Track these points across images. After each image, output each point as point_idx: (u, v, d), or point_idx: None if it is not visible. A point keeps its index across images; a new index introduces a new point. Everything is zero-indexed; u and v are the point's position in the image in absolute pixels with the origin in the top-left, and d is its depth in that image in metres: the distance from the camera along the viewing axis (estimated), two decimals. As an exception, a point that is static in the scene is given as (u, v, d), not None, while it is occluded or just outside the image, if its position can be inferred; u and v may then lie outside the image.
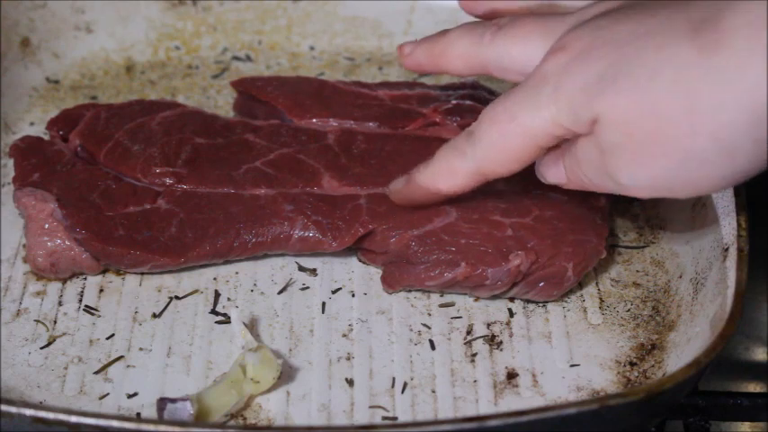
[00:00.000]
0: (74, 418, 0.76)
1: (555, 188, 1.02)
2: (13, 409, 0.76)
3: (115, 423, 0.76)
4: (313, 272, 1.01)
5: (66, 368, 0.92)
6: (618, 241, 1.06)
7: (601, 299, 1.00)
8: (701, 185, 0.79)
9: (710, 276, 0.93)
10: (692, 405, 0.90)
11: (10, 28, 1.19)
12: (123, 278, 1.00)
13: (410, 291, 1.00)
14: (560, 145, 0.86)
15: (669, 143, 0.77)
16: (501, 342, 0.96)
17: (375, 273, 1.01)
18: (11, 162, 1.05)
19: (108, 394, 0.90)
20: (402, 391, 0.91)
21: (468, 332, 0.97)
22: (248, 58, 1.26)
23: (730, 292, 0.86)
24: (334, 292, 1.00)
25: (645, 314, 0.99)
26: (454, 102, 1.10)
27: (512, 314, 0.98)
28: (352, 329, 0.97)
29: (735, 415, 0.93)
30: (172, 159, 1.03)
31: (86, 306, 0.98)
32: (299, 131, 1.07)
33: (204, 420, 0.86)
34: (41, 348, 0.94)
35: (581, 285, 1.01)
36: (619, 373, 0.94)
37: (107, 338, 0.95)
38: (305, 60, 1.26)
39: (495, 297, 0.99)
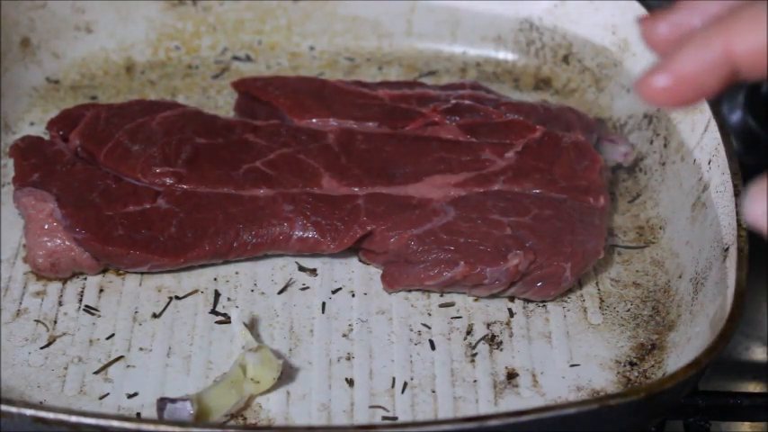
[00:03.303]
0: (74, 418, 0.76)
1: (554, 188, 1.02)
2: (14, 409, 0.76)
3: (115, 423, 0.76)
4: (313, 272, 1.01)
5: (66, 368, 0.92)
6: (618, 241, 1.06)
7: (601, 299, 1.00)
8: None
9: (710, 276, 0.93)
10: (692, 405, 0.90)
11: (10, 28, 1.19)
12: (123, 278, 1.00)
13: (410, 291, 1.00)
14: None
15: None
16: (501, 342, 0.96)
17: (375, 273, 1.01)
18: (11, 162, 1.05)
19: (108, 394, 0.90)
20: (402, 391, 0.91)
21: (468, 332, 0.97)
22: (248, 58, 1.26)
23: (730, 292, 0.86)
24: (334, 292, 1.00)
25: (645, 314, 0.99)
26: (453, 101, 1.10)
27: (512, 314, 0.98)
28: (352, 329, 0.97)
29: (735, 415, 0.93)
30: (172, 159, 1.03)
31: (86, 306, 0.98)
32: (299, 131, 1.07)
33: (204, 420, 0.86)
34: (41, 348, 0.94)
35: (581, 285, 1.01)
36: (619, 373, 0.94)
37: (107, 338, 0.95)
38: (305, 60, 1.26)
39: (494, 296, 0.99)
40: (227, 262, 1.01)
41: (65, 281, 1.00)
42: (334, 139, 1.06)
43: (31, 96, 1.19)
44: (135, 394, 0.90)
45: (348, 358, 0.94)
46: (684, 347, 0.92)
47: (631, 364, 0.94)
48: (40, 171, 1.02)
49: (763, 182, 0.60)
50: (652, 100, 0.63)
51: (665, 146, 1.09)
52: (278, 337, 0.96)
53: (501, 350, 0.95)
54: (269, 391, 0.90)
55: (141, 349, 0.94)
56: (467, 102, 1.10)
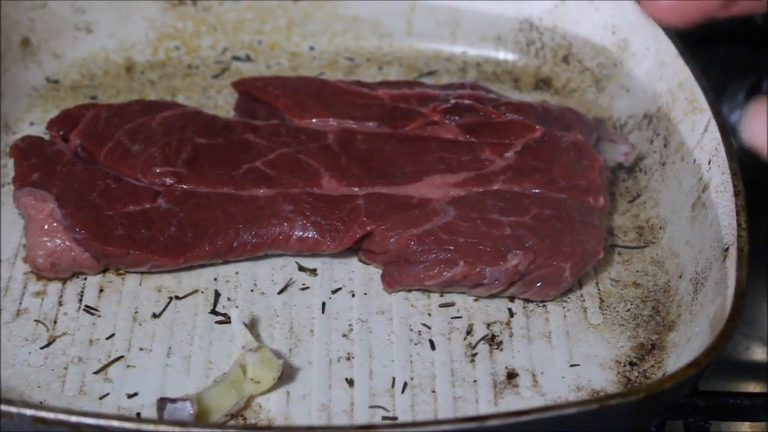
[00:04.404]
0: (74, 418, 0.76)
1: (554, 188, 1.02)
2: (14, 409, 0.76)
3: (115, 423, 0.76)
4: (313, 272, 1.01)
5: (66, 368, 0.92)
6: (618, 241, 1.06)
7: (601, 299, 1.00)
8: None
9: (710, 276, 0.93)
10: (692, 405, 0.90)
11: (10, 28, 1.19)
12: (123, 278, 1.00)
13: (410, 291, 1.00)
14: None
15: None
16: (501, 342, 0.96)
17: (375, 273, 1.01)
18: (11, 162, 1.05)
19: (108, 394, 0.90)
20: (402, 391, 0.91)
21: (469, 332, 0.97)
22: (248, 58, 1.26)
23: (730, 292, 0.86)
24: (334, 292, 1.00)
25: (645, 314, 0.99)
26: (453, 101, 1.10)
27: (512, 314, 0.98)
28: (352, 329, 0.97)
29: (735, 415, 0.93)
30: (172, 159, 1.03)
31: (86, 306, 0.98)
32: (299, 131, 1.07)
33: (204, 420, 0.86)
34: (41, 348, 0.94)
35: (581, 285, 1.01)
36: (619, 373, 0.94)
37: (107, 338, 0.95)
38: (305, 60, 1.26)
39: (494, 296, 0.99)
40: (227, 262, 1.01)
41: (65, 281, 1.00)
42: (334, 139, 1.06)
43: (31, 96, 1.19)
44: (135, 394, 0.90)
45: (348, 358, 0.94)
46: (684, 347, 0.92)
47: (631, 364, 0.94)
48: (40, 171, 1.02)
49: (763, 101, 0.61)
50: (657, 16, 0.66)
51: (665, 146, 1.09)
52: (278, 337, 0.96)
53: (501, 350, 0.95)
54: (269, 391, 0.90)
55: (141, 349, 0.94)
56: (467, 102, 1.10)
